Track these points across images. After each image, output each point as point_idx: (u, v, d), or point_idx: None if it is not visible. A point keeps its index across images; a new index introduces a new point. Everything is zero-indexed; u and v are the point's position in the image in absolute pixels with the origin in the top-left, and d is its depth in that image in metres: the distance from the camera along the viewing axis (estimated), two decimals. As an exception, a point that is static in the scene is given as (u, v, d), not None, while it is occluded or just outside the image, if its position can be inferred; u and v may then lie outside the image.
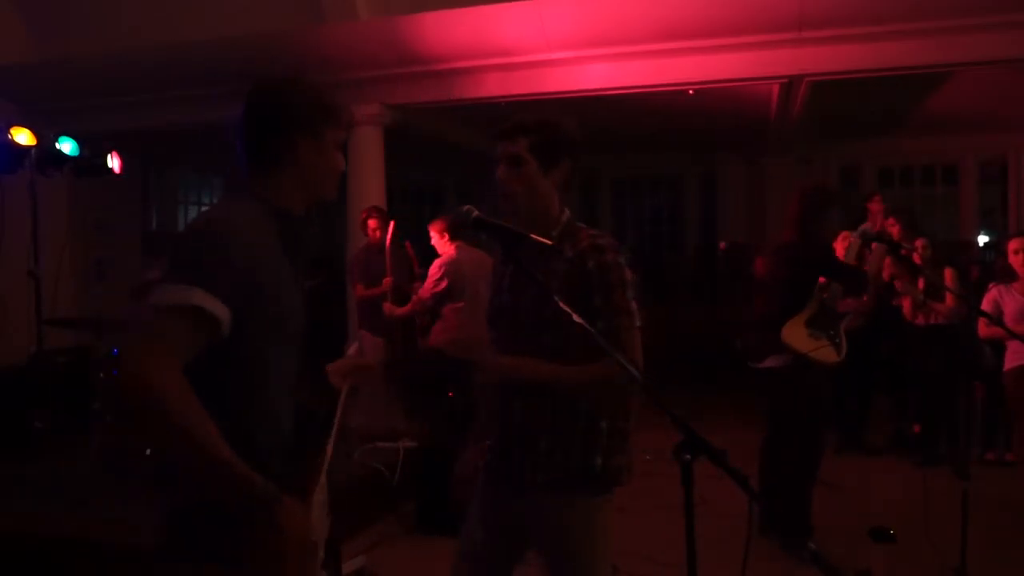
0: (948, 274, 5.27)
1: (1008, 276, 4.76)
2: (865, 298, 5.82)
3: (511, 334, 2.03)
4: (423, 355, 5.59)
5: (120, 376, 1.31)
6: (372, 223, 5.64)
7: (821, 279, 3.95)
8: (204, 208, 10.60)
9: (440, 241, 5.32)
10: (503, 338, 2.05)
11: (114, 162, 4.90)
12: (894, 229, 5.94)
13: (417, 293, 5.40)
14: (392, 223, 5.56)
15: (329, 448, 1.74)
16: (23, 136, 4.45)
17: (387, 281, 5.49)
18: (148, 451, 4.25)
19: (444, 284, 5.14)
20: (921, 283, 5.51)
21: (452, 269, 5.17)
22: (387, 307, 5.49)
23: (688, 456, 1.44)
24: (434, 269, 5.23)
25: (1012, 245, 4.74)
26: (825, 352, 3.81)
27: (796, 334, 3.83)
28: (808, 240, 3.93)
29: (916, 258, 5.45)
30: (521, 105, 6.25)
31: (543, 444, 1.95)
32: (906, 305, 5.61)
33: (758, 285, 4.05)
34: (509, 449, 2.00)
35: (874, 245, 4.33)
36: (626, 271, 1.95)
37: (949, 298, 5.35)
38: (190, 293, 1.37)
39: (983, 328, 4.54)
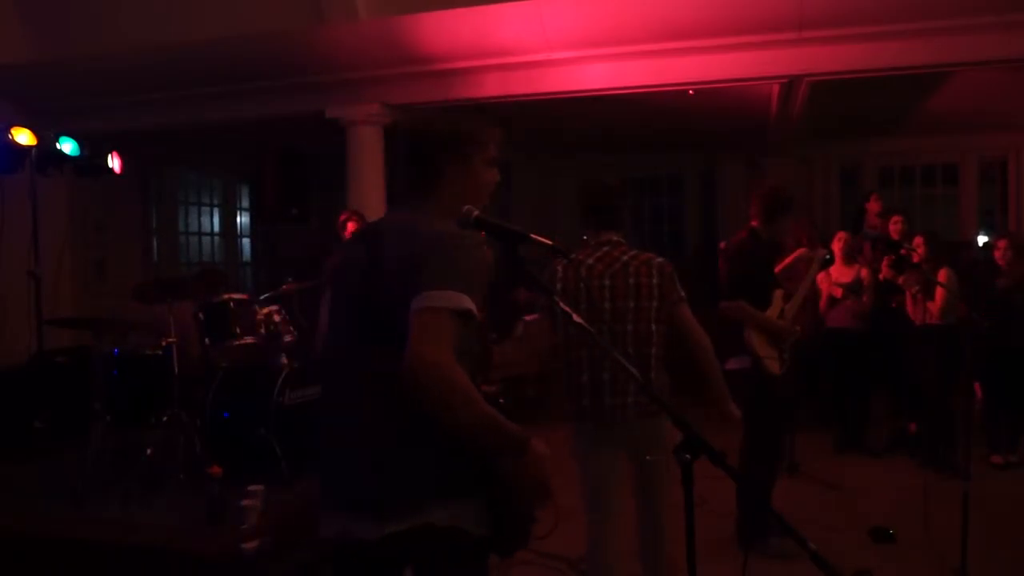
0: (943, 274, 5.27)
1: None
2: (865, 299, 5.85)
3: None
4: None
5: (420, 368, 1.62)
6: (351, 227, 5.42)
7: (779, 291, 4.06)
8: (208, 207, 10.62)
9: None
10: None
11: (114, 162, 4.90)
12: (897, 227, 5.99)
13: None
14: None
15: None
16: (23, 136, 4.45)
17: None
18: (148, 451, 4.28)
19: None
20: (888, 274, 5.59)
21: None
22: None
23: (688, 456, 1.45)
24: None
25: None
26: (771, 363, 3.92)
27: (757, 337, 3.93)
28: (757, 239, 4.04)
29: (915, 257, 5.47)
30: (521, 105, 6.25)
31: None
32: (908, 304, 5.62)
33: (720, 287, 4.12)
34: None
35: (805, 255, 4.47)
36: None
37: (938, 297, 5.36)
38: (463, 298, 1.68)
39: None
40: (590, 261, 3.05)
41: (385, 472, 1.77)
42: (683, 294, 3.10)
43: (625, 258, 3.04)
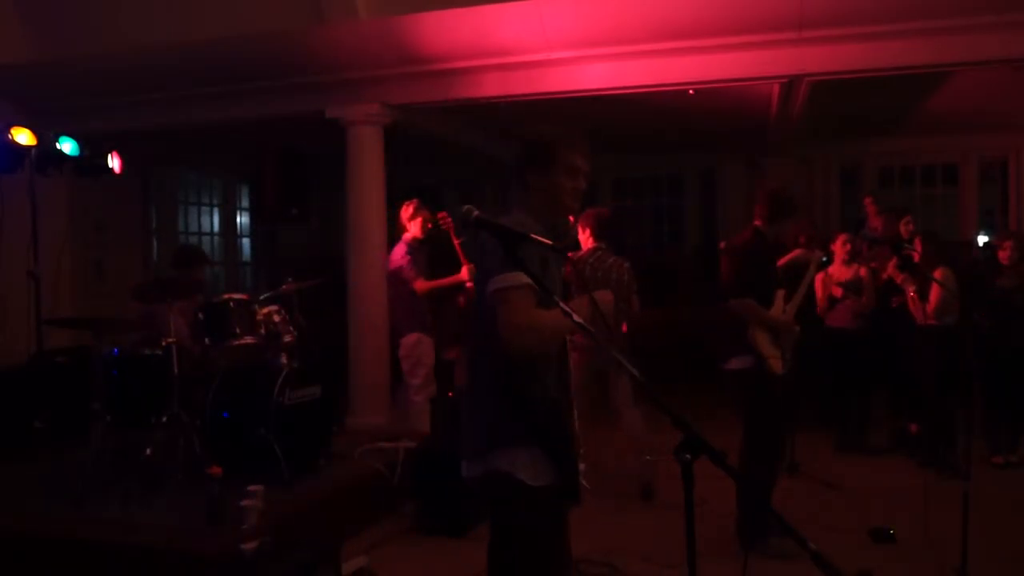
0: (939, 274, 5.26)
1: None
2: (865, 299, 5.85)
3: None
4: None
5: (507, 332, 2.05)
6: (425, 216, 5.54)
7: (781, 290, 4.09)
8: (203, 207, 10.63)
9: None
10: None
11: (114, 162, 4.89)
12: (910, 227, 6.03)
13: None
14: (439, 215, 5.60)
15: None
16: (23, 136, 4.44)
17: (465, 269, 5.34)
18: (148, 451, 4.28)
19: None
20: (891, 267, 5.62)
21: None
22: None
23: (688, 456, 1.44)
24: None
25: None
26: (775, 362, 3.95)
27: (761, 335, 3.96)
28: (762, 239, 4.07)
29: (916, 256, 5.48)
30: (521, 105, 6.25)
31: None
32: (910, 303, 5.62)
33: (721, 286, 4.13)
34: None
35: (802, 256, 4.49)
36: None
37: (933, 297, 5.36)
38: (518, 276, 2.02)
39: None
40: (591, 260, 4.95)
41: (463, 425, 2.29)
42: (635, 286, 5.04)
43: (610, 260, 4.98)
